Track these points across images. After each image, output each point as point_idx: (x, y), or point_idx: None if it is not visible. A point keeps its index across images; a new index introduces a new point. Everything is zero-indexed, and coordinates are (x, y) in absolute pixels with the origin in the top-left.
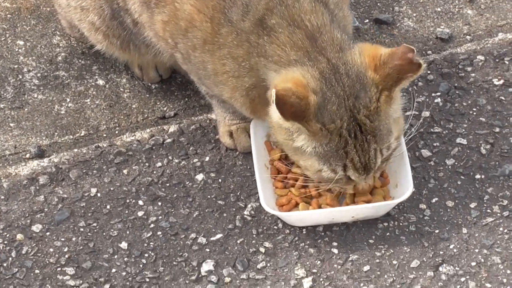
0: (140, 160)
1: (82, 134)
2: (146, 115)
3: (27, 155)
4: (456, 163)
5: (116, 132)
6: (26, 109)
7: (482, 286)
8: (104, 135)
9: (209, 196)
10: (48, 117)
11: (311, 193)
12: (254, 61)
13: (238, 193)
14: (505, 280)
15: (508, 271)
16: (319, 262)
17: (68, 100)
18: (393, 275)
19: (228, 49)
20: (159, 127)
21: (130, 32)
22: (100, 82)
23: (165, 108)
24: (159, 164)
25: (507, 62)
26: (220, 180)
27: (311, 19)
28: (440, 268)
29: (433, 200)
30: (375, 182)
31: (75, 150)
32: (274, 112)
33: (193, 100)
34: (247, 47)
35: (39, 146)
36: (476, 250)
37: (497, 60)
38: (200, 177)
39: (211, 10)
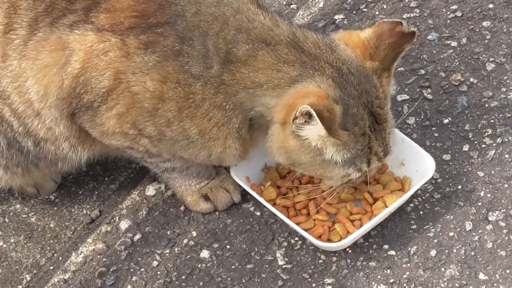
0: (132, 269)
1: (29, 279)
2: (73, 227)
3: None
4: (417, 119)
5: (60, 258)
6: None
7: None
8: (52, 268)
9: (233, 267)
10: None
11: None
12: (238, 97)
13: (256, 249)
14: None
15: None
16: (388, 271)
17: None
18: (460, 245)
19: (208, 101)
20: (99, 231)
21: (29, 154)
22: None
23: (84, 212)
24: (155, 263)
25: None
26: (228, 247)
27: (281, 32)
28: (490, 218)
29: None
30: None
31: None
32: (312, 132)
33: (102, 190)
34: (224, 89)
35: None
36: (506, 185)
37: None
38: (206, 254)
39: (174, 73)
